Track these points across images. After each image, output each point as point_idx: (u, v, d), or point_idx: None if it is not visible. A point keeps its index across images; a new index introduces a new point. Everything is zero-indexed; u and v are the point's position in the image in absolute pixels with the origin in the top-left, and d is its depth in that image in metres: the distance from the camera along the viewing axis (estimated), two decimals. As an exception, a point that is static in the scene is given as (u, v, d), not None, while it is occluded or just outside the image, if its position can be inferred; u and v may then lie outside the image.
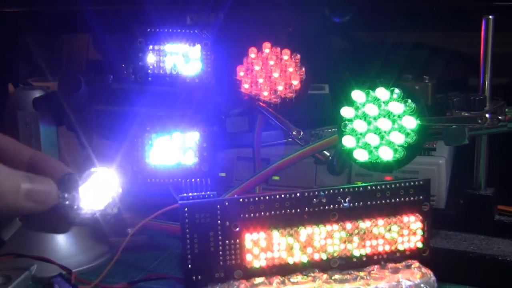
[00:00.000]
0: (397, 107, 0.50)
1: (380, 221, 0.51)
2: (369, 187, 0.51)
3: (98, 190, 0.41)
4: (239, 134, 0.67)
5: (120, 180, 0.42)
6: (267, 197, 0.49)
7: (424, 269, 0.50)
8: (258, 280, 0.49)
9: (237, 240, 0.49)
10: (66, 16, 0.89)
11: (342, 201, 0.50)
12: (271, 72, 0.65)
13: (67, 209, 0.40)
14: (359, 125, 0.51)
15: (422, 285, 0.48)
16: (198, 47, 0.64)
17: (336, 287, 0.48)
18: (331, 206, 0.50)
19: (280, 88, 0.65)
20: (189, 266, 0.49)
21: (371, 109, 0.51)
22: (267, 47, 0.66)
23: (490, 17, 0.56)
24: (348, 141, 0.51)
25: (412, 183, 0.52)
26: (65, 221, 0.41)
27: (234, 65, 0.65)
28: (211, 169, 0.62)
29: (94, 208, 0.41)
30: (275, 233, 0.50)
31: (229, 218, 0.49)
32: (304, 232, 0.50)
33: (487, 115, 0.51)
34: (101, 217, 0.41)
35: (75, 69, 1.03)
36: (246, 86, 0.65)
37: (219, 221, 0.49)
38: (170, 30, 0.64)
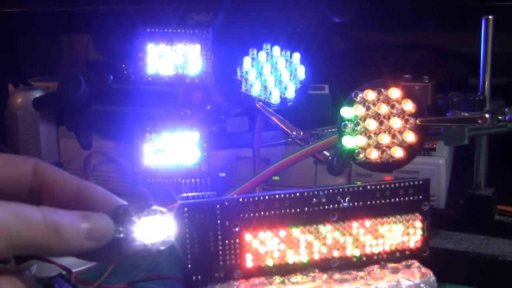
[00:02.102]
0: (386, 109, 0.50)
1: (380, 221, 0.51)
2: (369, 187, 0.51)
3: (153, 227, 0.40)
4: (239, 134, 0.67)
5: (175, 222, 0.41)
6: (267, 197, 0.49)
7: (424, 269, 0.49)
8: (258, 280, 0.49)
9: (237, 240, 0.49)
10: (66, 16, 0.89)
11: (342, 201, 0.50)
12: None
13: (120, 242, 0.39)
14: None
15: (422, 285, 0.48)
16: (198, 47, 0.64)
17: (336, 287, 0.48)
18: (331, 206, 0.50)
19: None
20: (189, 266, 0.49)
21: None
22: (267, 47, 0.66)
23: (490, 17, 0.56)
24: (348, 141, 0.51)
25: (412, 183, 0.52)
26: (118, 254, 0.39)
27: (234, 65, 0.65)
28: (211, 169, 0.62)
29: (147, 242, 0.39)
30: (275, 233, 0.50)
31: (229, 218, 0.49)
32: (304, 232, 0.50)
33: (487, 115, 0.51)
34: (152, 250, 0.40)
35: (75, 69, 1.03)
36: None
37: (218, 221, 0.49)
38: (170, 30, 0.64)
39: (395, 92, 0.51)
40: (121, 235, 0.39)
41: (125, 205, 0.40)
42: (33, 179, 0.40)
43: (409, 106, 0.51)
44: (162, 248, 0.40)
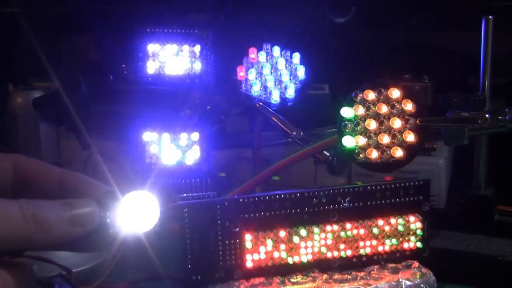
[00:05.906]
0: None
1: (380, 221, 0.51)
2: (369, 187, 0.51)
3: (139, 211, 0.39)
4: (239, 134, 0.67)
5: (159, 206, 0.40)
6: (267, 197, 0.49)
7: (424, 269, 0.50)
8: (258, 280, 0.49)
9: (237, 240, 0.49)
10: (66, 16, 0.89)
11: (342, 201, 0.50)
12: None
13: (107, 228, 0.38)
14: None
15: (422, 285, 0.48)
16: (198, 47, 0.64)
17: (336, 287, 0.48)
18: (331, 206, 0.50)
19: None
20: (189, 266, 0.49)
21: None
22: (267, 48, 0.65)
23: (490, 17, 0.56)
24: (348, 141, 0.51)
25: (412, 183, 0.52)
26: (107, 239, 0.39)
27: (234, 65, 0.65)
28: (211, 169, 0.62)
29: (134, 229, 0.39)
30: (275, 233, 0.50)
31: (229, 218, 0.49)
32: (304, 232, 0.50)
33: (487, 115, 0.51)
34: (137, 233, 0.39)
35: (75, 69, 1.03)
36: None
37: (219, 221, 0.49)
38: (170, 30, 0.64)
39: (395, 92, 0.51)
40: (108, 220, 0.38)
41: (110, 190, 0.39)
42: (14, 175, 0.40)
43: (409, 106, 0.51)
44: (146, 231, 0.40)
